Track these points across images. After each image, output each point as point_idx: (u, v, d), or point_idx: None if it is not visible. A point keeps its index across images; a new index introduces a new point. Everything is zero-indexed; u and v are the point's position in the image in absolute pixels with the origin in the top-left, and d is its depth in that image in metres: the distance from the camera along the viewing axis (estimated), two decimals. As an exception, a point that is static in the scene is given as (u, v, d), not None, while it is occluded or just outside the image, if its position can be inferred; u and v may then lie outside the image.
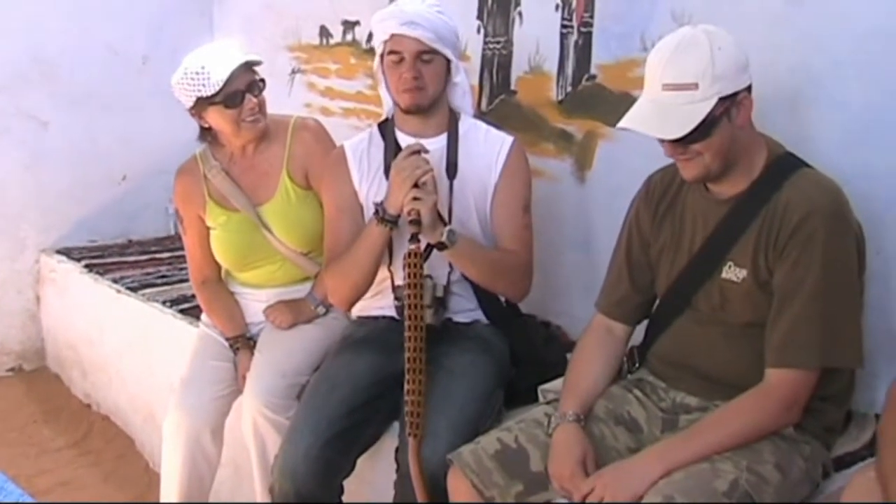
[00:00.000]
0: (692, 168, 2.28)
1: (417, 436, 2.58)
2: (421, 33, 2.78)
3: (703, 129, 2.18)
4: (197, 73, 3.02)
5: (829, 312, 2.18)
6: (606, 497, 2.17)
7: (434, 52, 2.82)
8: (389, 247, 2.88)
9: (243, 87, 3.08)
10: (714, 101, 2.17)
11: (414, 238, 2.66)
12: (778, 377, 2.20)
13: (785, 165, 2.31)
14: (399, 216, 2.73)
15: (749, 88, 2.25)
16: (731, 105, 2.21)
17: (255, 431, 2.98)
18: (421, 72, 2.82)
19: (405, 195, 2.66)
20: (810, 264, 2.17)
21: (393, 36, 2.82)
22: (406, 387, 2.61)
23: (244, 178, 3.26)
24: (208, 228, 3.30)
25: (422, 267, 2.68)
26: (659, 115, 2.22)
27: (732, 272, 2.31)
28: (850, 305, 2.23)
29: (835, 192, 2.25)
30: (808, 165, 2.32)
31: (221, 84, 3.02)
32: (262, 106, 3.15)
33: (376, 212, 2.78)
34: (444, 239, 2.70)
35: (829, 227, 2.18)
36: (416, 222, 2.65)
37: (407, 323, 2.64)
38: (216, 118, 3.13)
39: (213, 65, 3.03)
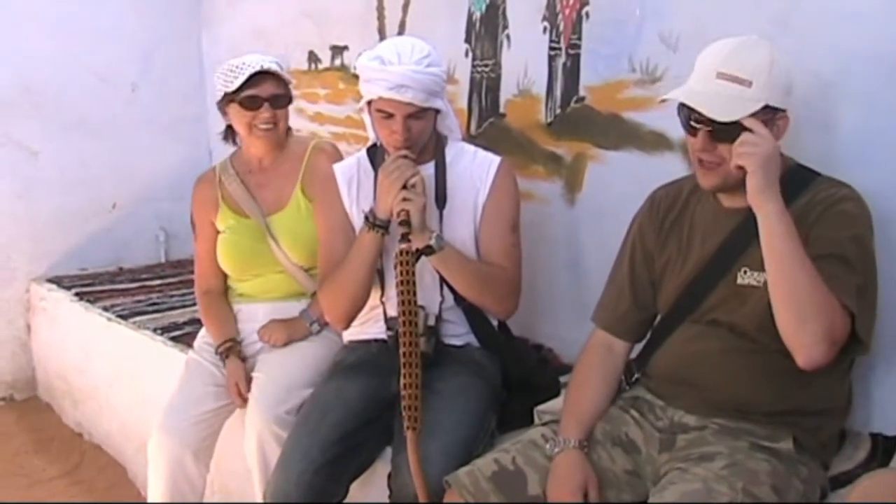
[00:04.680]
0: (712, 177, 2.27)
1: (416, 429, 2.47)
2: (412, 96, 2.71)
3: (742, 130, 2.17)
4: (234, 69, 3.18)
5: (859, 277, 2.15)
6: None
7: (426, 109, 2.78)
8: (381, 277, 2.89)
9: (265, 95, 3.19)
10: (762, 104, 2.18)
11: (404, 238, 2.63)
12: None
13: (800, 177, 2.31)
14: (389, 221, 2.73)
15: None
16: (773, 119, 2.21)
17: (259, 448, 2.94)
18: (412, 128, 2.76)
19: (394, 197, 2.67)
20: (841, 233, 2.17)
21: (381, 98, 2.74)
22: (402, 381, 2.50)
23: (259, 189, 3.37)
24: (219, 234, 3.37)
25: (413, 265, 2.59)
26: (709, 98, 2.21)
27: (751, 277, 2.29)
28: (873, 283, 2.21)
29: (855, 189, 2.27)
30: (819, 174, 2.34)
31: (243, 83, 3.14)
32: (278, 120, 3.25)
33: (366, 218, 2.78)
34: (432, 242, 2.70)
35: (859, 206, 2.21)
36: (406, 223, 2.64)
37: (401, 319, 2.54)
38: (235, 116, 3.26)
39: (249, 65, 3.15)
